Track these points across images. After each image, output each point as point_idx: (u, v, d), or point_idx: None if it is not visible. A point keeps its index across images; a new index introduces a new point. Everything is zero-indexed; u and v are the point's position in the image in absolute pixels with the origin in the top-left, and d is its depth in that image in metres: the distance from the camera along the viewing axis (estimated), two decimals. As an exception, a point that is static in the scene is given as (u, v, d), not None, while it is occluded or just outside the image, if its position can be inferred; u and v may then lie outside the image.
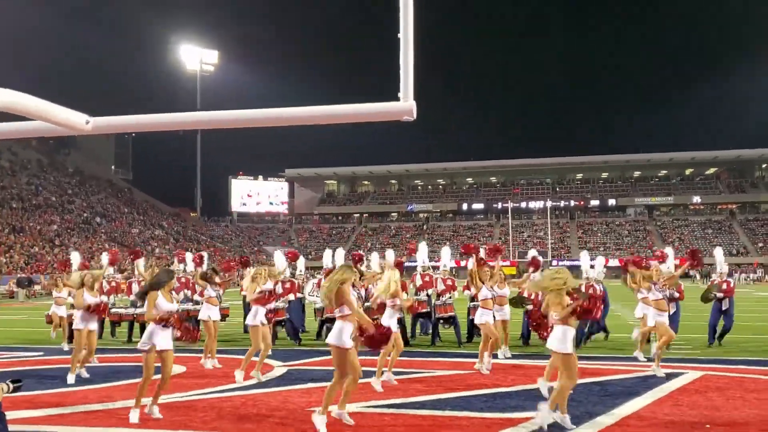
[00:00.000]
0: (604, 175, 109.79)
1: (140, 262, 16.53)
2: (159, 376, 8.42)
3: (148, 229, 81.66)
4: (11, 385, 5.11)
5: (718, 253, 16.07)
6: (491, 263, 13.01)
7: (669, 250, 14.68)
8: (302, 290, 16.86)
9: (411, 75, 4.08)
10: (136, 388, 8.40)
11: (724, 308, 15.02)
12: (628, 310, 17.57)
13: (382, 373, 10.34)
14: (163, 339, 8.35)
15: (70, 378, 10.97)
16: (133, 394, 9.72)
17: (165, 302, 8.48)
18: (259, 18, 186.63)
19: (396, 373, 10.81)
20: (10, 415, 4.99)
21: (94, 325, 11.53)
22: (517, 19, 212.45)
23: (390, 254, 16.60)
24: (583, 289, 14.76)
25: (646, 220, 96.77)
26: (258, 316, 11.10)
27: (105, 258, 17.62)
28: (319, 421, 7.45)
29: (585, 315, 7.95)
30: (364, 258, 16.15)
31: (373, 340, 8.01)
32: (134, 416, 8.08)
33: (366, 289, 13.22)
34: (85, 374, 11.40)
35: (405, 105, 4.06)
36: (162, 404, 9.01)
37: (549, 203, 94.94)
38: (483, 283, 11.93)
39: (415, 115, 4.09)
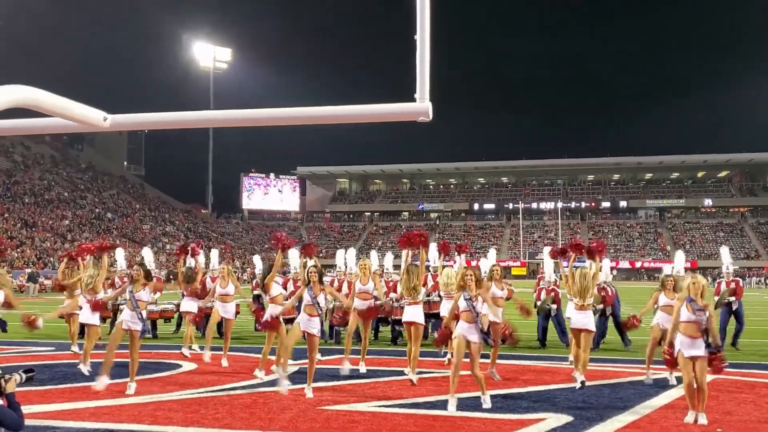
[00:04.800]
0: (616, 176, 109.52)
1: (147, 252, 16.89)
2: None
3: (160, 225, 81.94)
4: (24, 375, 5.14)
5: (724, 252, 15.92)
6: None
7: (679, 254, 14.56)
8: None
9: (427, 76, 4.07)
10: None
11: (734, 308, 14.93)
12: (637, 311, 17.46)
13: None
14: None
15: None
16: (144, 389, 9.79)
17: None
18: (273, 16, 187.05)
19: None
20: (22, 409, 5.01)
21: None
22: (529, 19, 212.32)
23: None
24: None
25: (658, 222, 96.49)
26: None
27: (119, 254, 17.80)
28: None
29: None
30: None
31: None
32: None
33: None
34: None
35: (421, 106, 4.04)
36: (174, 400, 9.11)
37: (560, 204, 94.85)
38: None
39: (431, 116, 4.08)
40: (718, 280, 15.85)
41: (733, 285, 15.09)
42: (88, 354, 11.44)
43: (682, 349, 8.15)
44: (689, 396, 8.14)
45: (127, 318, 9.97)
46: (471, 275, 9.19)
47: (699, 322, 8.10)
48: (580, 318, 10.41)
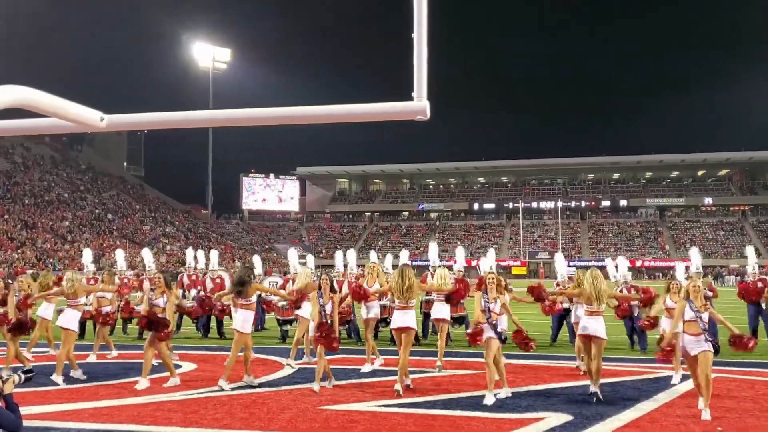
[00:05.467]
0: (616, 175, 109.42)
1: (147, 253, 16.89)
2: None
3: (160, 226, 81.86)
4: (23, 376, 5.15)
5: (750, 252, 15.91)
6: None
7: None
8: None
9: (425, 74, 4.06)
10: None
11: (764, 308, 15.01)
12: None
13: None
14: None
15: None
16: (144, 390, 9.78)
17: None
18: (273, 16, 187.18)
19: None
20: (20, 410, 5.02)
21: None
22: (529, 19, 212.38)
23: (404, 254, 16.74)
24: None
25: (658, 221, 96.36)
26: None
27: (119, 255, 17.83)
28: None
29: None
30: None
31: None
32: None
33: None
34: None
35: (419, 104, 4.03)
36: (174, 401, 9.11)
37: (560, 203, 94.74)
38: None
39: (428, 115, 4.07)
40: (746, 280, 15.91)
41: (760, 284, 15.10)
42: (73, 359, 11.20)
43: (687, 348, 8.53)
44: (698, 388, 8.51)
45: None
46: (492, 278, 9.78)
47: (697, 321, 8.52)
48: (592, 324, 9.61)
